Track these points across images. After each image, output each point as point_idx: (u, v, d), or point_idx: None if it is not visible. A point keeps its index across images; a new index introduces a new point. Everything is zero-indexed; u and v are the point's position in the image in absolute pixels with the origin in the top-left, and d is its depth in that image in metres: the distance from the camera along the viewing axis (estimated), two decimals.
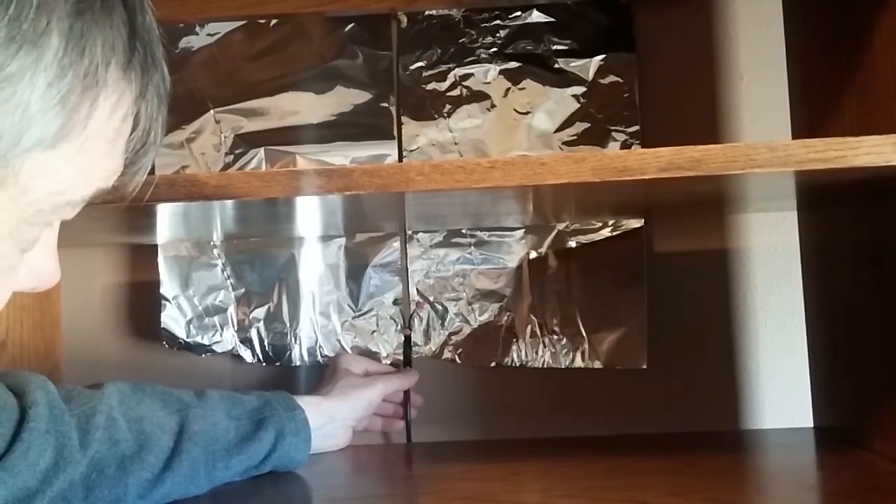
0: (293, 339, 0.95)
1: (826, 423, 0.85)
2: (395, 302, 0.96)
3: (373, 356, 0.95)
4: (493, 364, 0.95)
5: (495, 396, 0.96)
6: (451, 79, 0.95)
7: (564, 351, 0.93)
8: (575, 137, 0.93)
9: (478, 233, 0.95)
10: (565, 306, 0.94)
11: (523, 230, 0.95)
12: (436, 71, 0.96)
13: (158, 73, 0.40)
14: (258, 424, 0.71)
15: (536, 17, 0.95)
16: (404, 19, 0.97)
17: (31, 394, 0.60)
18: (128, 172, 0.42)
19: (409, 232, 0.96)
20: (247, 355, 0.96)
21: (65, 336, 1.00)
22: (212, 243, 0.96)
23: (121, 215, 0.68)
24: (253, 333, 0.96)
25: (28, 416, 0.59)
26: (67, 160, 0.37)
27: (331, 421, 0.79)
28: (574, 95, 0.94)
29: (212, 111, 0.96)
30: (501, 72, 0.95)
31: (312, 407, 0.76)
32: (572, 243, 0.94)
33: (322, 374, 0.88)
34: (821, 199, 0.78)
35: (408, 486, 0.74)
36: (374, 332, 0.96)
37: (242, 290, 0.96)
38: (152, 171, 0.44)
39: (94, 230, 0.82)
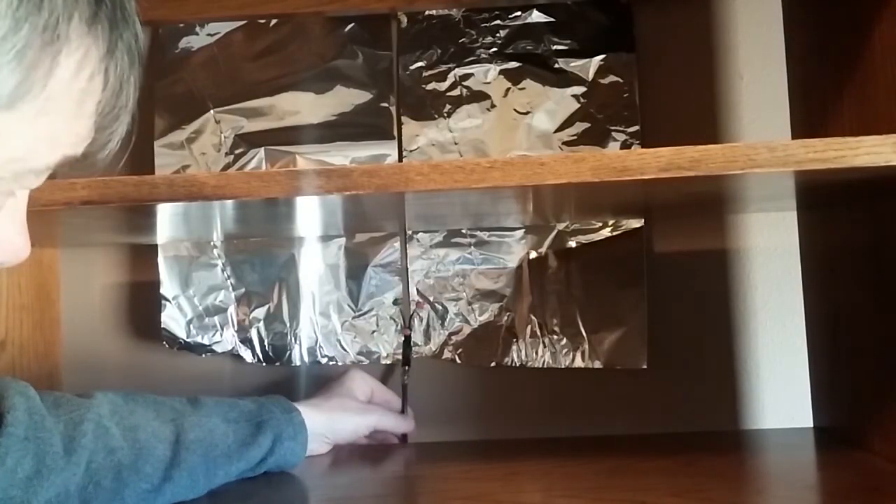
0: (293, 339, 0.95)
1: (826, 423, 0.85)
2: (395, 302, 0.96)
3: (373, 356, 0.95)
4: (493, 364, 0.95)
5: (495, 396, 0.96)
6: (451, 79, 0.95)
7: (564, 351, 0.93)
8: (575, 137, 0.93)
9: (478, 233, 0.95)
10: (565, 306, 0.93)
11: (523, 230, 0.95)
12: (436, 71, 0.96)
13: (130, 29, 0.37)
14: (257, 427, 0.71)
15: (536, 17, 0.95)
16: (404, 19, 0.97)
17: (9, 399, 0.59)
18: (98, 139, 0.39)
19: (409, 232, 0.96)
20: (247, 355, 0.96)
21: (65, 336, 1.00)
22: (212, 243, 0.96)
23: (121, 215, 0.68)
24: (253, 333, 0.96)
25: (5, 421, 0.57)
26: (27, 123, 0.34)
27: (310, 434, 0.76)
28: (574, 95, 0.94)
29: (212, 111, 0.96)
30: (501, 72, 0.95)
31: None
32: (572, 243, 0.94)
33: (327, 380, 0.86)
34: (821, 199, 0.78)
35: (408, 487, 0.74)
36: (374, 332, 0.96)
37: (242, 290, 0.96)
38: (129, 140, 0.41)
39: (94, 230, 0.82)
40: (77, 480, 0.60)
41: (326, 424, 0.79)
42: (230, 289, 0.96)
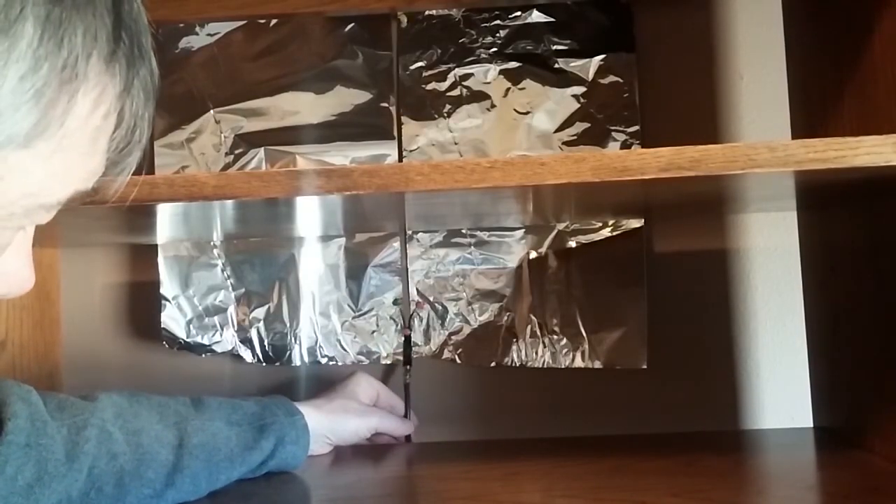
0: (293, 339, 0.95)
1: (826, 423, 0.85)
2: (395, 302, 0.96)
3: (373, 356, 0.95)
4: (493, 364, 0.95)
5: (495, 396, 0.96)
6: (451, 79, 0.95)
7: (564, 351, 0.93)
8: (575, 137, 0.93)
9: (478, 233, 0.95)
10: (565, 306, 0.93)
11: (523, 230, 0.95)
12: (436, 71, 0.96)
13: (146, 66, 0.37)
14: (260, 431, 0.70)
15: (536, 17, 0.95)
16: (404, 19, 0.97)
17: (11, 405, 0.58)
18: (110, 173, 0.38)
19: (409, 232, 0.96)
20: (247, 355, 0.96)
21: (65, 336, 1.00)
22: (212, 243, 0.96)
23: (121, 215, 0.68)
24: (253, 333, 0.96)
25: (6, 428, 0.57)
26: (42, 160, 0.34)
27: (311, 434, 0.76)
28: (574, 95, 0.94)
29: (212, 111, 0.96)
30: (501, 72, 0.95)
31: None
32: (572, 243, 0.94)
33: (329, 381, 0.86)
34: (821, 199, 0.78)
35: (408, 486, 0.74)
36: (374, 332, 0.96)
37: (242, 290, 0.96)
38: (139, 171, 0.41)
39: (94, 230, 0.82)
40: (79, 486, 0.59)
41: (328, 426, 0.79)
42: (230, 289, 0.96)
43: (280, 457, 0.71)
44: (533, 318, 0.94)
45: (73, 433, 0.60)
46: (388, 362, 0.96)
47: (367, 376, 0.86)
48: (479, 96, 0.95)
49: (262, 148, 0.95)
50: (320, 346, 0.96)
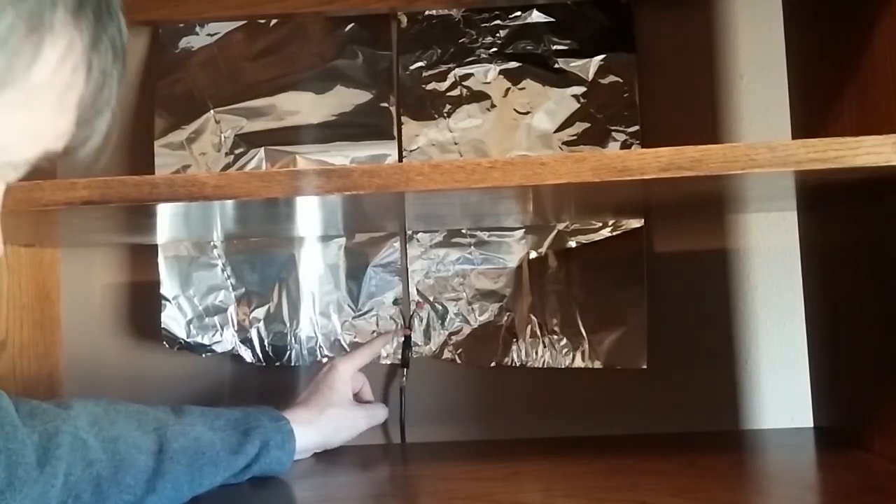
0: (293, 339, 0.95)
1: (826, 423, 0.86)
2: (395, 302, 0.96)
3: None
4: (493, 364, 0.95)
5: (495, 396, 0.96)
6: (451, 79, 0.95)
7: (564, 351, 0.93)
8: (575, 137, 0.93)
9: (478, 233, 0.95)
10: (565, 306, 0.93)
11: (523, 230, 0.95)
12: (436, 71, 0.96)
13: (115, 24, 0.37)
14: (244, 435, 0.70)
15: (536, 17, 0.95)
16: (404, 19, 0.97)
17: None
18: (79, 134, 0.38)
19: (409, 232, 0.96)
20: (247, 355, 0.96)
21: (65, 336, 1.00)
22: (212, 243, 0.96)
23: (121, 215, 0.68)
24: (253, 333, 0.96)
25: None
26: (9, 113, 0.34)
27: (301, 449, 0.77)
28: (574, 95, 0.94)
29: (212, 111, 0.96)
30: (501, 72, 0.95)
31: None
32: (572, 243, 0.94)
33: (314, 377, 0.84)
34: (821, 199, 0.78)
35: (407, 487, 0.74)
36: (374, 332, 0.96)
37: (242, 290, 0.96)
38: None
39: (94, 230, 0.82)
40: (56, 493, 0.58)
41: (319, 442, 0.80)
42: (230, 289, 0.96)
43: (264, 461, 0.71)
44: (533, 318, 0.94)
45: (44, 439, 0.59)
46: (388, 362, 0.96)
47: (343, 366, 0.83)
48: (479, 96, 0.95)
49: (262, 148, 0.95)
50: (320, 346, 0.96)
